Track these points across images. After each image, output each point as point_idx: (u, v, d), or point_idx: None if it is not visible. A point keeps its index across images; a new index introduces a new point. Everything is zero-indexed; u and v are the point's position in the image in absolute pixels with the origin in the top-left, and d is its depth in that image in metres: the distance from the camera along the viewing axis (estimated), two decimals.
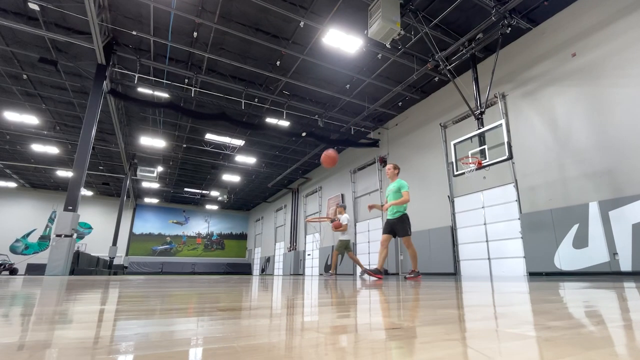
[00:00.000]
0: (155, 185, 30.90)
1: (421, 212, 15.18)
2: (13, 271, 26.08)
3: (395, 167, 8.27)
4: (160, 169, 26.02)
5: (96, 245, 32.53)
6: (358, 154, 20.78)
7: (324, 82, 15.35)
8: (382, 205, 8.11)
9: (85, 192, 32.81)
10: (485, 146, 10.47)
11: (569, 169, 10.01)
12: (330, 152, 8.98)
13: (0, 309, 1.60)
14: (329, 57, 13.47)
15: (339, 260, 9.70)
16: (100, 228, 34.42)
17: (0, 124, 19.23)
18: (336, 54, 13.13)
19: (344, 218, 11.27)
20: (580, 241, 9.32)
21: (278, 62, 13.88)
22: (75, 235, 11.05)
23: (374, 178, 19.15)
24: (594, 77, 9.87)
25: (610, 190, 9.04)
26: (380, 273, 7.51)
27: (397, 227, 7.79)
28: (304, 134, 17.63)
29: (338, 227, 11.04)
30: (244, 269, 40.12)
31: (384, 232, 7.94)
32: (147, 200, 37.48)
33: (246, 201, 38.41)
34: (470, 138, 11.03)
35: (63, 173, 27.31)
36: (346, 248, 11.12)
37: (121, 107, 17.51)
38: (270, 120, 17.92)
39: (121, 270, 27.96)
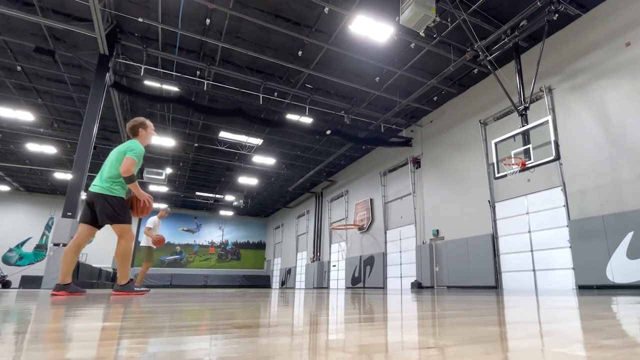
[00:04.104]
0: (164, 189, 31.20)
1: (459, 218, 15.23)
2: (6, 284, 25.89)
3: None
4: (169, 170, 26.17)
5: (98, 255, 32.17)
6: (389, 154, 20.83)
7: (351, 75, 15.49)
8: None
9: (85, 196, 32.99)
10: (530, 145, 10.45)
11: (623, 170, 9.95)
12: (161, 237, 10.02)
13: None
14: (356, 46, 13.61)
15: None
16: (102, 236, 33.10)
17: None
18: (364, 43, 13.23)
19: (150, 221, 10.60)
20: (636, 251, 9.26)
21: (300, 52, 14.10)
22: None
23: (406, 181, 19.17)
24: None
25: None
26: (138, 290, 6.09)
27: None
28: (328, 132, 17.74)
29: (161, 241, 10.34)
30: (262, 282, 40.21)
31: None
32: (154, 205, 37.37)
33: (264, 206, 38.57)
34: (513, 136, 11.03)
35: (61, 175, 27.53)
36: (146, 255, 10.54)
37: (126, 102, 17.82)
38: (292, 116, 18.01)
39: None
